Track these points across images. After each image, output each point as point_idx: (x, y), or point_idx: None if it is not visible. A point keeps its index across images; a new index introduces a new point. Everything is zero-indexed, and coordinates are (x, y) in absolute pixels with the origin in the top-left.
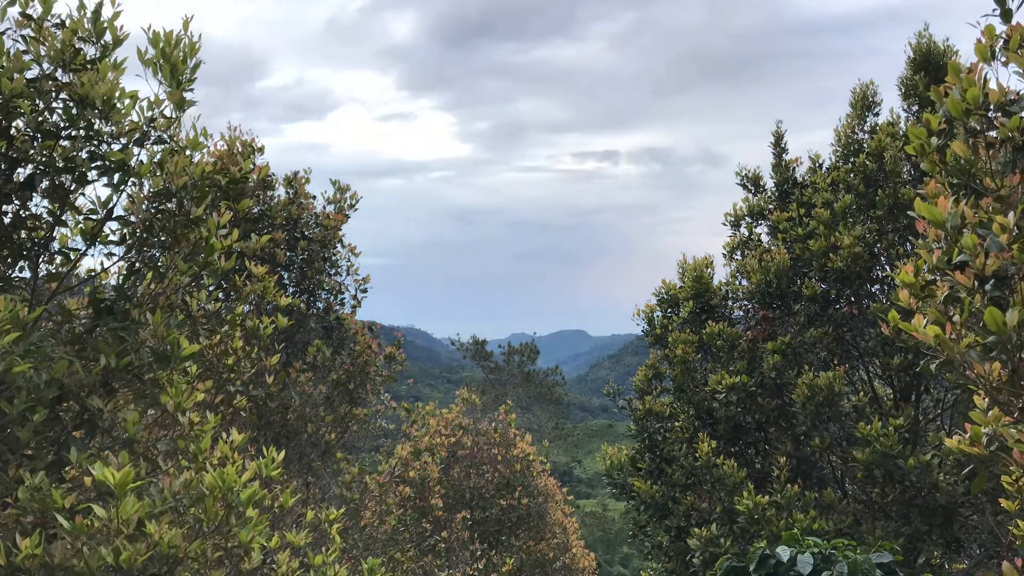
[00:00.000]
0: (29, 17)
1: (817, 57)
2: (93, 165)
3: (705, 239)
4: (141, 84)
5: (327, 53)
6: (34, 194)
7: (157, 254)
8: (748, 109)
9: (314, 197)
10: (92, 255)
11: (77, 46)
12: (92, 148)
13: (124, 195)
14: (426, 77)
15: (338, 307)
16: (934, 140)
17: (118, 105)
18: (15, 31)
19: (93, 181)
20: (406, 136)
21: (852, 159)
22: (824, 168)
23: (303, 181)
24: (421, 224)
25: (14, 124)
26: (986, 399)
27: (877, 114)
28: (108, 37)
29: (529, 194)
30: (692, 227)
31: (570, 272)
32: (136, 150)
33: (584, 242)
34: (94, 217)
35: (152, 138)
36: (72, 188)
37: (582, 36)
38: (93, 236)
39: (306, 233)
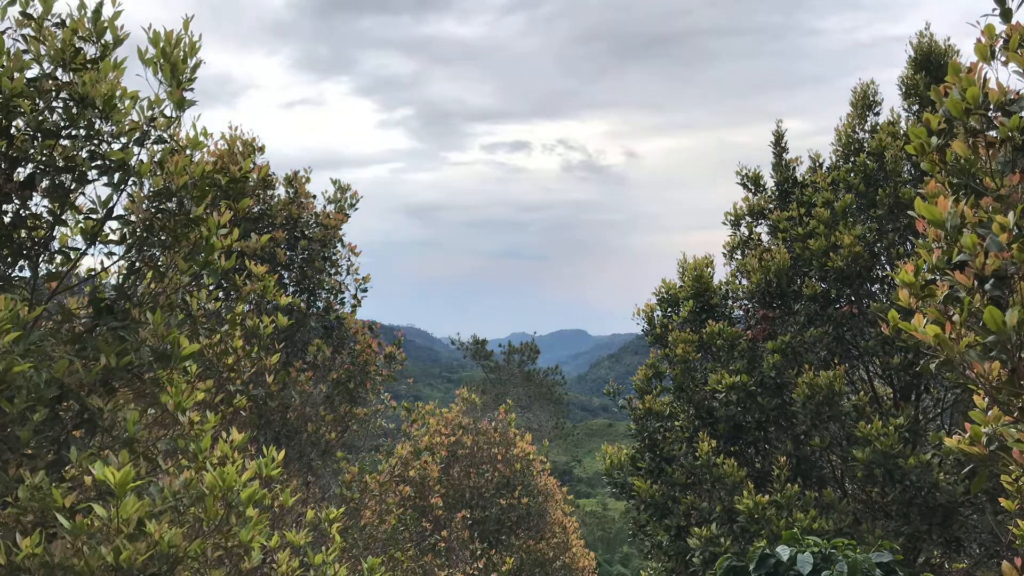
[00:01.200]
0: (29, 16)
1: (749, 34)
2: (93, 164)
3: (682, 237)
4: (141, 83)
5: (205, 30)
6: (34, 193)
7: (157, 253)
8: (667, 94)
9: (314, 196)
10: (92, 254)
11: (77, 45)
12: (92, 147)
13: (124, 194)
14: (322, 57)
15: (338, 306)
16: (934, 140)
17: (118, 104)
18: (15, 30)
19: (93, 180)
20: (330, 125)
21: (852, 158)
22: (824, 167)
23: (303, 180)
24: (375, 221)
25: (14, 123)
26: (986, 399)
27: (878, 113)
28: (108, 36)
29: (474, 188)
30: (667, 224)
31: (548, 272)
32: (136, 149)
33: (552, 241)
34: (94, 216)
35: (152, 137)
36: (72, 187)
37: (463, 8)
38: (93, 235)
39: (306, 232)
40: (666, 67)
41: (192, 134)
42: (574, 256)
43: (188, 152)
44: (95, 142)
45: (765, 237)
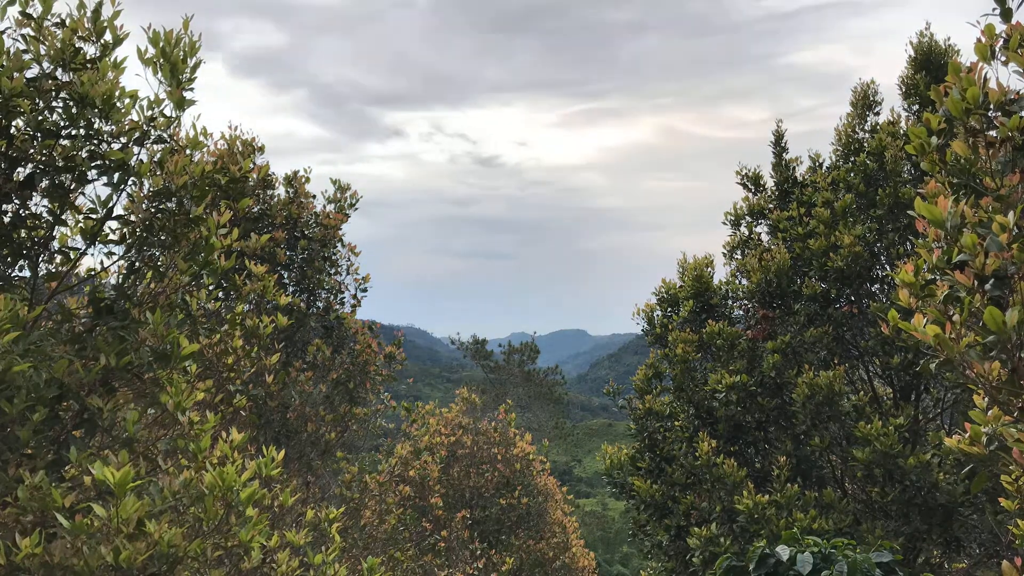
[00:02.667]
0: (29, 16)
1: (633, 2)
2: (93, 164)
3: (652, 235)
4: (141, 83)
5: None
6: (34, 193)
7: (157, 253)
8: (579, 76)
9: (314, 196)
10: (92, 254)
11: (77, 45)
12: (92, 147)
13: (124, 194)
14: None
15: (338, 306)
16: (934, 139)
17: (118, 104)
18: (15, 30)
19: (93, 180)
20: (219, 111)
21: (852, 158)
22: (824, 167)
23: (303, 180)
24: None
25: (14, 123)
26: (986, 398)
27: (878, 113)
28: (108, 36)
29: (408, 182)
30: (634, 222)
31: (522, 271)
32: (136, 149)
33: (510, 240)
34: (94, 216)
35: (152, 137)
36: (72, 187)
37: None
38: (93, 235)
39: (306, 232)
40: (558, 43)
41: (192, 134)
42: (540, 256)
43: (188, 152)
44: (95, 142)
45: (765, 237)
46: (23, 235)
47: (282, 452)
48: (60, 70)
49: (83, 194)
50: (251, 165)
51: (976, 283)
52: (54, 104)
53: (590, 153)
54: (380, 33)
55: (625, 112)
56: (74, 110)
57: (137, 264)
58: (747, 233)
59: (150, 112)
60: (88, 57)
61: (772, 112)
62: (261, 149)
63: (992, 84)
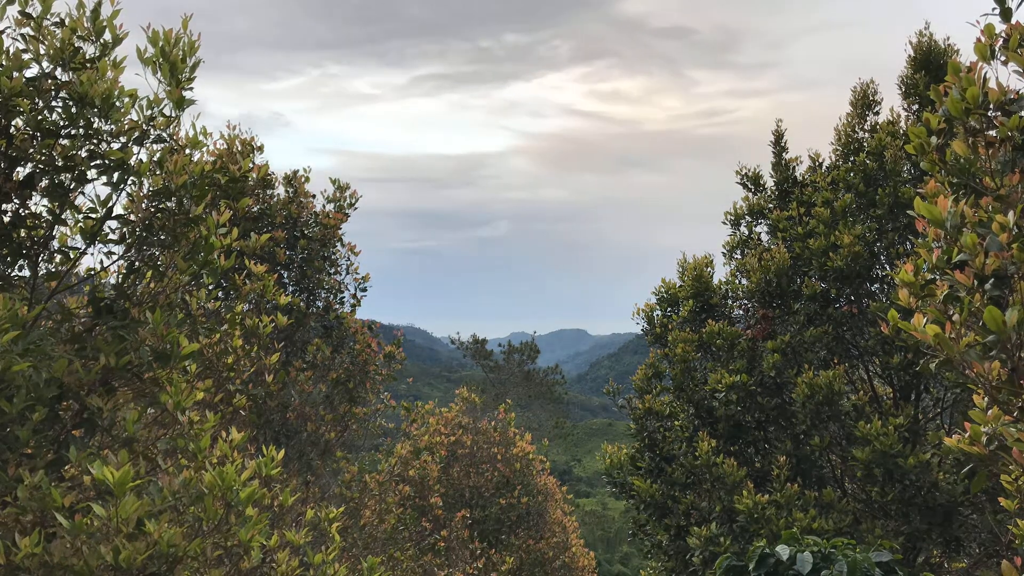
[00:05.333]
0: (28, 15)
1: None
2: (92, 164)
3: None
4: (140, 83)
5: None
6: (34, 193)
7: (157, 253)
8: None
9: (314, 196)
10: (92, 254)
11: (76, 45)
12: (91, 147)
13: (124, 194)
14: None
15: (338, 306)
16: (934, 139)
17: (117, 104)
18: (14, 29)
19: (93, 180)
20: None
21: (852, 158)
22: (824, 167)
23: (303, 180)
24: None
25: (13, 123)
26: (985, 398)
27: (877, 113)
28: (107, 35)
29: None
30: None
31: (450, 269)
32: (136, 149)
33: (431, 235)
34: (94, 216)
35: (151, 137)
36: (72, 187)
37: None
38: (93, 235)
39: (306, 232)
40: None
41: (191, 133)
42: (460, 250)
43: (187, 151)
44: (94, 141)
45: (765, 237)
46: (23, 235)
47: (282, 452)
48: (59, 69)
49: (83, 194)
50: (250, 165)
51: (976, 283)
52: (54, 104)
53: (470, 131)
54: None
55: (476, 79)
56: (73, 109)
57: (137, 264)
58: (747, 233)
59: (149, 111)
60: (87, 56)
61: (659, 83)
62: (260, 148)
63: (992, 84)
